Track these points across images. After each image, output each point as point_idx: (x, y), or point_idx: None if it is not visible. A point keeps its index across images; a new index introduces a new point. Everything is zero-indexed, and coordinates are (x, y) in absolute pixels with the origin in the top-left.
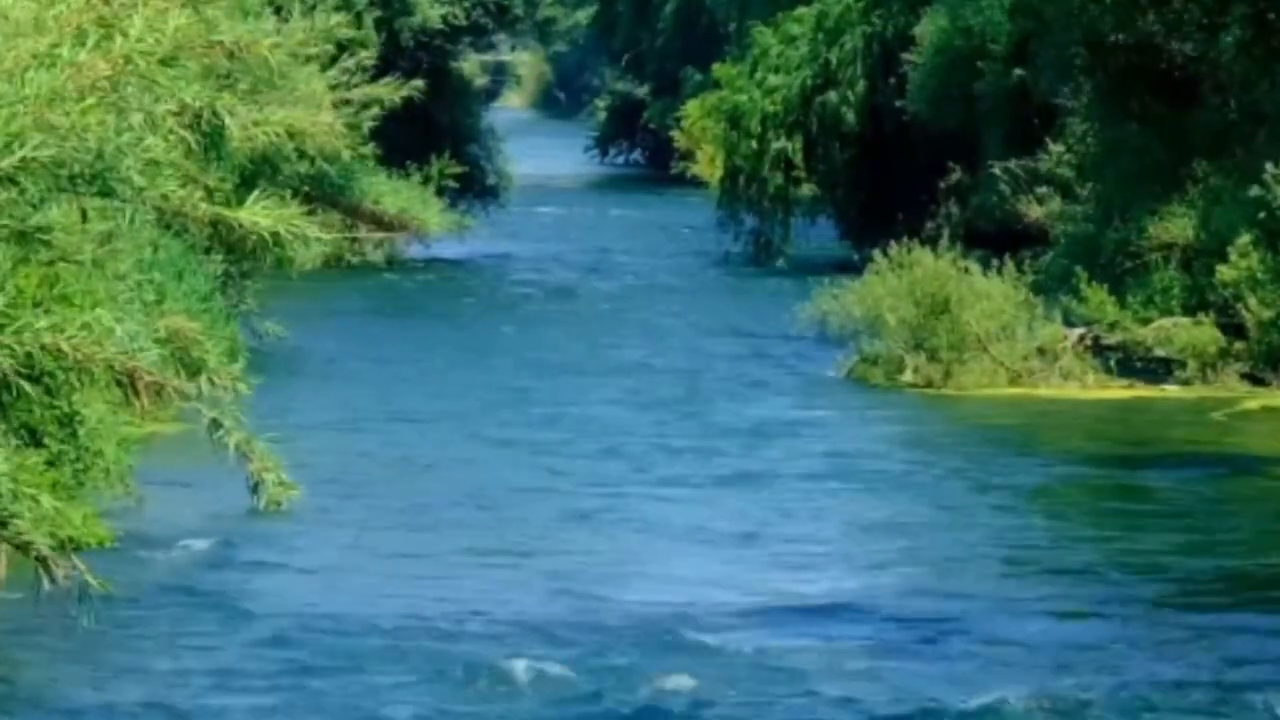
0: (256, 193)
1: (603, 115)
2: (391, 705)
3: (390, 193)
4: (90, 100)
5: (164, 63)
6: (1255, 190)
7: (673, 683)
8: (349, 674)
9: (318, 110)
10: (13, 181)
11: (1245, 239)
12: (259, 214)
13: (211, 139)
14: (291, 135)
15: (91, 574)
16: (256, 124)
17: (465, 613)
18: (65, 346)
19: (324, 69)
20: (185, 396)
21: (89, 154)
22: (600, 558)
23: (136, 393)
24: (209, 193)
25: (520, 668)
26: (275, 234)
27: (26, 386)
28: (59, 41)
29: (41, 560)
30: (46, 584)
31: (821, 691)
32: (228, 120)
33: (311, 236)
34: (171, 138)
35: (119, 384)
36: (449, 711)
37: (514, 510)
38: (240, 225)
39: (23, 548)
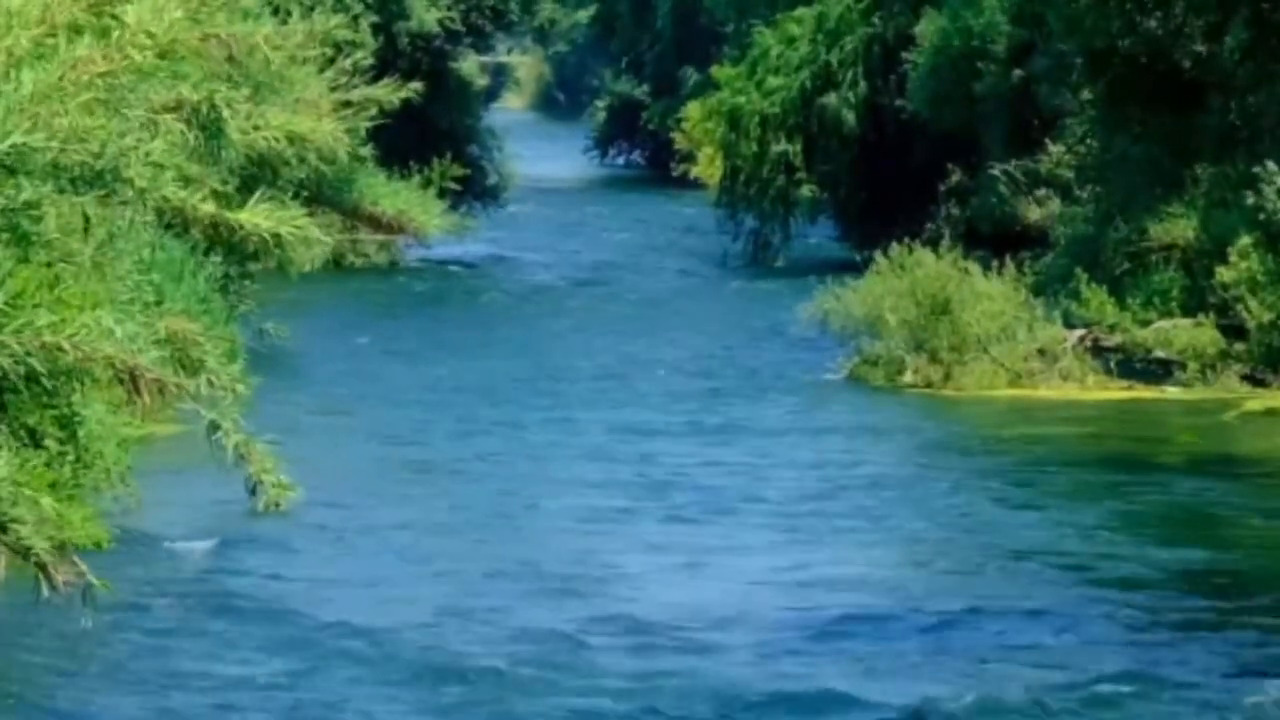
0: (258, 194)
1: (602, 116)
2: (390, 707)
3: (389, 194)
4: (86, 96)
5: (161, 55)
6: (1252, 198)
7: (672, 686)
8: (347, 675)
9: (317, 112)
10: (10, 171)
11: (1245, 240)
12: (260, 215)
13: (210, 133)
14: (291, 140)
15: (92, 575)
16: (256, 128)
17: (464, 616)
18: (65, 345)
19: (321, 70)
20: (188, 394)
21: (91, 156)
22: (598, 561)
23: (138, 390)
24: (213, 195)
25: (517, 671)
26: (276, 235)
27: (26, 386)
28: (53, 32)
29: (42, 566)
30: (46, 591)
31: (820, 693)
32: (226, 114)
33: (313, 238)
34: (170, 137)
35: (120, 381)
36: (444, 714)
37: (512, 513)
38: (241, 226)
39: (23, 553)
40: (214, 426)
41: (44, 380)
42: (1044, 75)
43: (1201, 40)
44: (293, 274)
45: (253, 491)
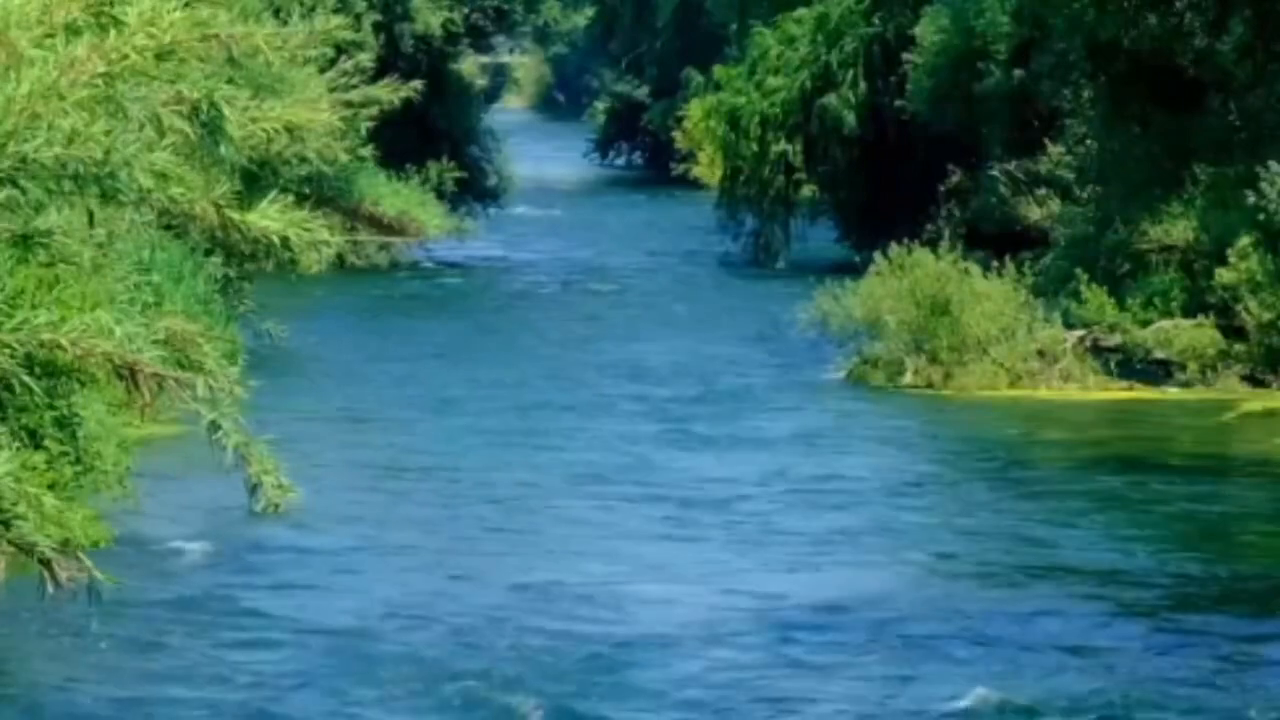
0: (270, 196)
1: (602, 117)
2: (388, 708)
3: (390, 195)
4: (83, 93)
5: (160, 57)
6: (1252, 199)
7: (673, 684)
8: (344, 676)
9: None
10: (13, 183)
11: (1245, 241)
12: (270, 217)
13: (211, 130)
14: (290, 131)
15: (96, 571)
16: (255, 120)
17: (462, 616)
18: (65, 342)
19: (322, 71)
20: (186, 388)
21: (93, 163)
22: (599, 560)
23: (137, 386)
24: (218, 208)
25: (514, 671)
26: (285, 238)
27: (27, 385)
28: (52, 33)
29: (45, 562)
30: (50, 587)
31: (821, 693)
32: (226, 110)
33: (321, 240)
34: (172, 136)
35: (120, 377)
36: (448, 712)
37: (511, 514)
38: (249, 229)
39: (26, 549)
40: (214, 426)
41: (43, 379)
42: (1044, 68)
43: (1201, 38)
44: (302, 273)
45: (253, 492)
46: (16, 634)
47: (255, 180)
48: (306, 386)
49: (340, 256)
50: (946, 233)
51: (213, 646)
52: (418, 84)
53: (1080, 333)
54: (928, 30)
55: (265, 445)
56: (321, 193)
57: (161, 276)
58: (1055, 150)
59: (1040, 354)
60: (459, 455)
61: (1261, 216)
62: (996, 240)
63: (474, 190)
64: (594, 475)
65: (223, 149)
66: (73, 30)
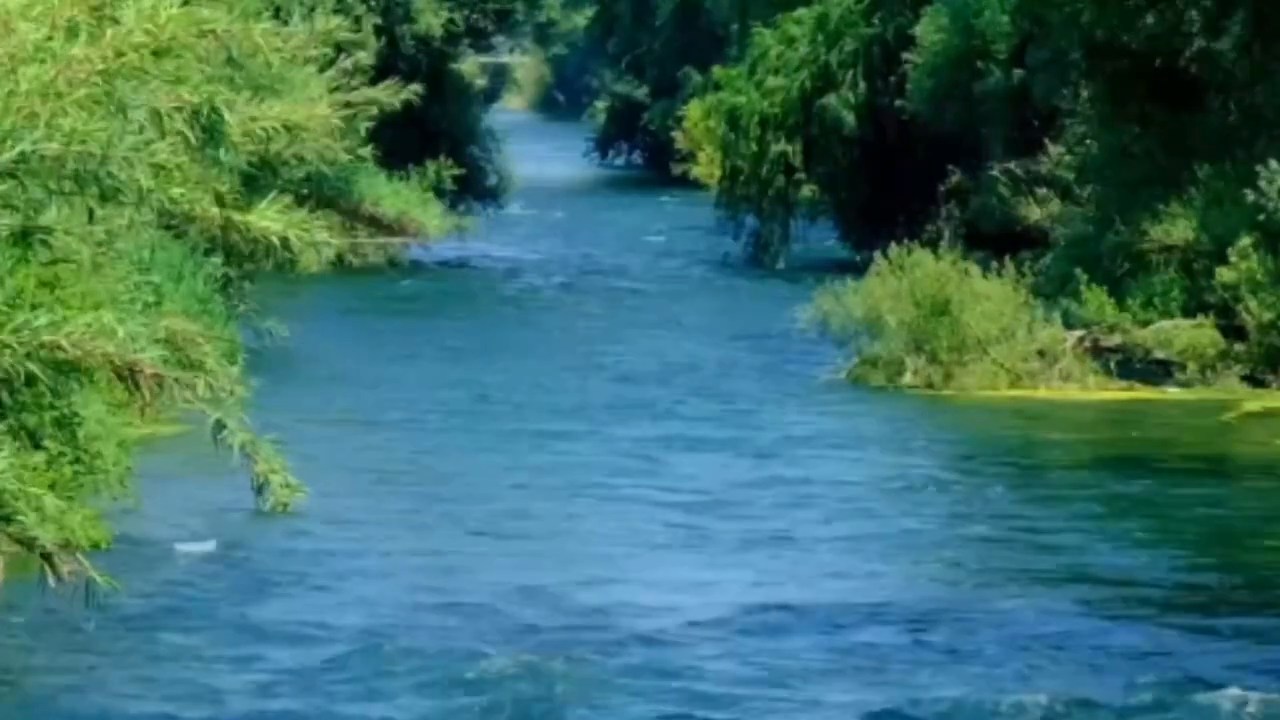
0: (270, 197)
1: (602, 117)
2: (390, 709)
3: (390, 195)
4: (81, 92)
5: (157, 54)
6: (1251, 196)
7: (677, 685)
8: (347, 677)
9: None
10: (12, 176)
11: (1245, 241)
12: (269, 218)
13: (211, 134)
14: (289, 130)
15: (95, 573)
16: (254, 119)
17: (466, 616)
18: (65, 343)
19: (322, 71)
20: (187, 388)
21: (92, 159)
22: (602, 561)
23: (138, 386)
24: (220, 199)
25: (521, 671)
26: (284, 239)
27: (26, 386)
28: (51, 34)
29: (46, 557)
30: (52, 581)
31: (823, 694)
32: (227, 115)
33: (321, 241)
34: (172, 138)
35: (120, 378)
36: (448, 716)
37: (515, 513)
38: (249, 229)
39: (27, 544)
40: (219, 426)
41: (43, 380)
42: (1042, 67)
43: (1200, 35)
44: (302, 272)
45: (259, 491)
46: (17, 634)
47: (255, 181)
48: (306, 386)
49: (340, 256)
50: (946, 233)
51: (213, 647)
52: (417, 87)
53: (1080, 333)
54: (928, 30)
55: (271, 444)
56: (321, 193)
57: (161, 276)
58: (1055, 150)
59: (1040, 354)
60: (458, 456)
61: (1261, 216)
62: (996, 240)
63: (474, 190)
64: (593, 477)
65: (223, 153)
66: (72, 30)
